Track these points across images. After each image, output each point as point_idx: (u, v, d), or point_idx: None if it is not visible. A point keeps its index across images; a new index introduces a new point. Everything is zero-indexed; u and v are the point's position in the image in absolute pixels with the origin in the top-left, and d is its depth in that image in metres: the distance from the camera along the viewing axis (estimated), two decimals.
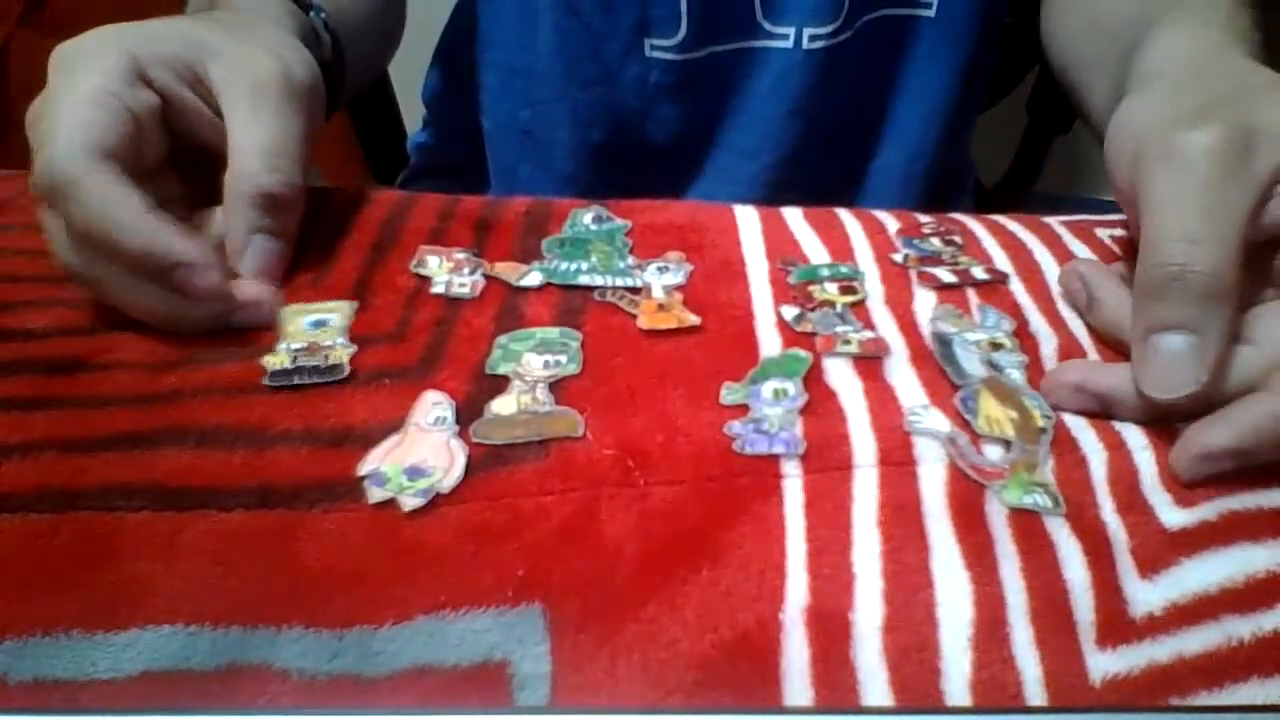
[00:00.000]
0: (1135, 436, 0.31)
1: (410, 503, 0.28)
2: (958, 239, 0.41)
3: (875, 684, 0.24)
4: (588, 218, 0.42)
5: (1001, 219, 0.43)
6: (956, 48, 0.59)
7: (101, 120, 0.32)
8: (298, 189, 0.36)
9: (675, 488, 0.29)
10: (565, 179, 0.62)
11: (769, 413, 0.31)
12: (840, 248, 0.40)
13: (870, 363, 0.34)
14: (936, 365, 0.33)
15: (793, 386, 0.32)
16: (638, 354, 0.34)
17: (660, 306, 0.36)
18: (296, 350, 0.33)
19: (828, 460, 0.29)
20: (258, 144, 0.35)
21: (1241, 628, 0.25)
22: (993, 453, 0.30)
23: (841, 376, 0.33)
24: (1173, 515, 0.28)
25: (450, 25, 0.68)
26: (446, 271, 0.38)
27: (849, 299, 0.37)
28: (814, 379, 0.33)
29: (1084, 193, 1.40)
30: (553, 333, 0.35)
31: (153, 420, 0.30)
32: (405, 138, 0.81)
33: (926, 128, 0.61)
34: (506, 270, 0.38)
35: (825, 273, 0.38)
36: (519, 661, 0.24)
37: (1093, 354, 0.34)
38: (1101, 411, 0.31)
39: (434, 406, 0.31)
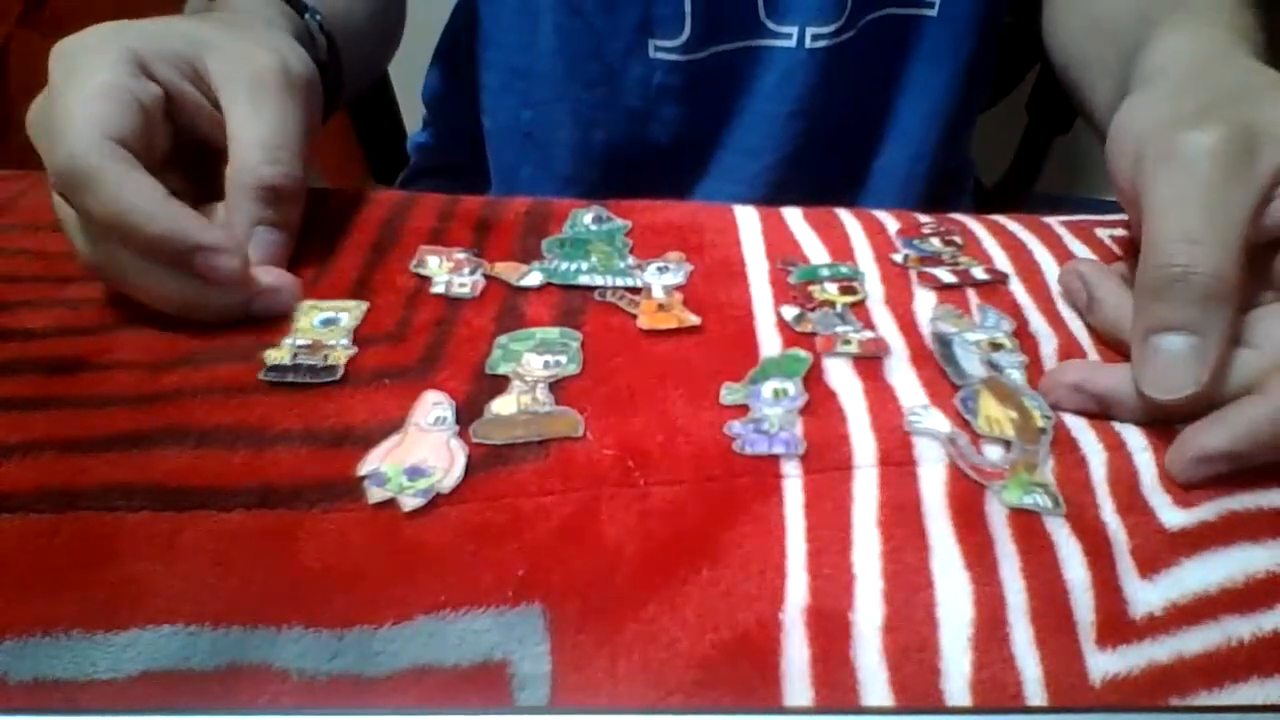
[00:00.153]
0: (1135, 437, 0.31)
1: (410, 503, 0.28)
2: (958, 239, 0.41)
3: (875, 684, 0.24)
4: (588, 218, 0.42)
5: (1001, 219, 0.43)
6: (958, 47, 0.59)
7: (115, 112, 0.32)
8: (299, 181, 0.36)
9: (675, 488, 0.29)
10: (566, 180, 0.62)
11: (769, 413, 0.31)
12: (840, 248, 0.40)
13: (870, 363, 0.34)
14: (936, 365, 0.33)
15: (793, 386, 0.32)
16: (638, 354, 0.34)
17: (660, 306, 0.36)
18: (300, 347, 0.33)
19: (828, 460, 0.29)
20: (258, 137, 0.35)
21: (1241, 628, 0.25)
22: (993, 453, 0.30)
23: (841, 376, 0.33)
24: (1173, 515, 0.28)
25: (450, 25, 0.68)
26: (446, 271, 0.38)
27: (849, 299, 0.37)
28: (814, 379, 0.33)
29: (1084, 193, 1.40)
30: (553, 333, 0.35)
31: (153, 420, 0.30)
32: (405, 138, 0.81)
33: (928, 127, 0.61)
34: (506, 270, 0.38)
35: (825, 273, 0.38)
36: (519, 661, 0.24)
37: (1093, 354, 0.34)
38: (1101, 412, 0.31)
39: (434, 406, 0.31)
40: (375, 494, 0.28)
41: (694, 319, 0.35)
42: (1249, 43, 0.39)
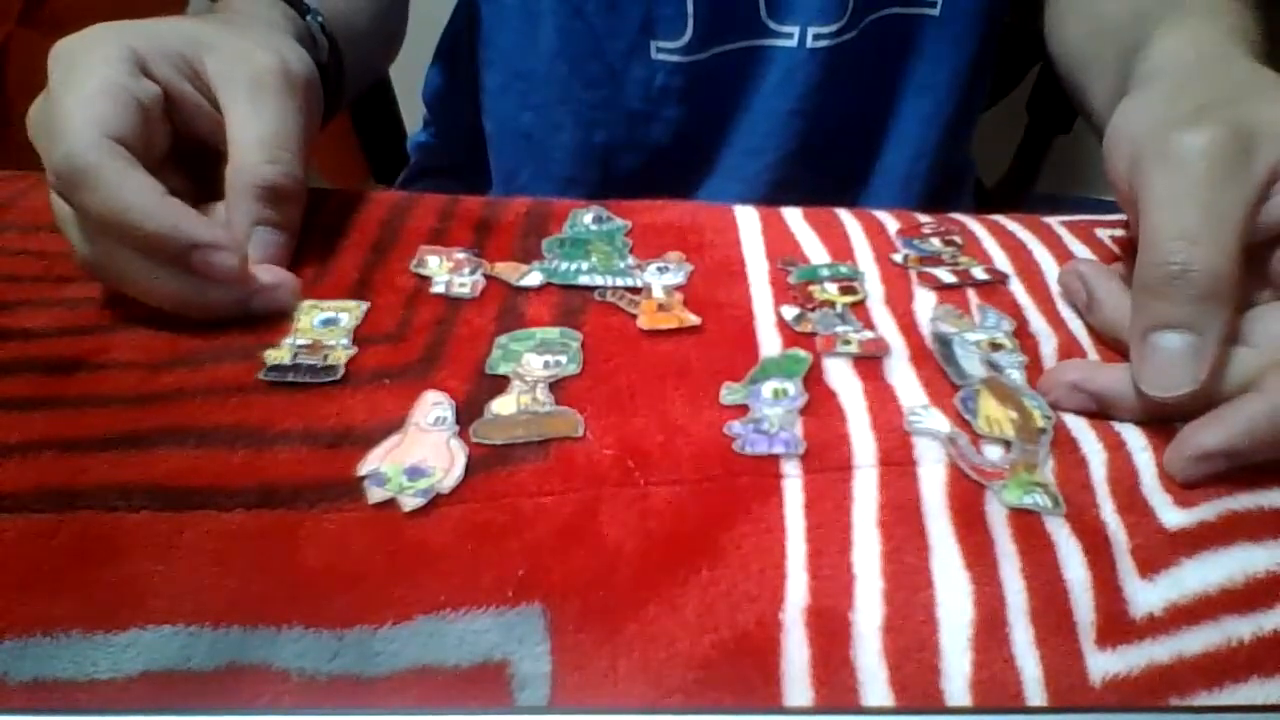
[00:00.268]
0: (1135, 437, 0.31)
1: (410, 503, 0.28)
2: (958, 239, 0.41)
3: (875, 684, 0.24)
4: (588, 218, 0.42)
5: (1001, 219, 0.43)
6: (960, 47, 0.59)
7: (114, 110, 0.32)
8: (299, 180, 0.36)
9: (675, 488, 0.29)
10: (567, 181, 0.62)
11: (769, 413, 0.31)
12: (840, 248, 0.40)
13: (870, 363, 0.34)
14: (936, 365, 0.33)
15: (793, 386, 0.32)
16: (638, 354, 0.34)
17: (660, 306, 0.36)
18: (300, 347, 0.33)
19: (828, 460, 0.29)
20: (258, 136, 0.35)
21: (1241, 628, 0.25)
22: (993, 453, 0.30)
23: (841, 376, 0.33)
24: (1173, 515, 0.28)
25: (451, 24, 0.68)
26: (447, 271, 0.38)
27: (849, 299, 0.37)
28: (814, 379, 0.33)
29: (1084, 193, 1.40)
30: (553, 333, 0.35)
31: (152, 420, 0.30)
32: (405, 138, 0.81)
33: (929, 127, 0.61)
34: (506, 270, 0.38)
35: (825, 273, 0.38)
36: (519, 661, 0.24)
37: (1092, 354, 0.34)
38: (1100, 411, 0.31)
39: (434, 406, 0.31)
40: (375, 494, 0.28)
41: (694, 319, 0.35)
42: (1248, 43, 0.39)
